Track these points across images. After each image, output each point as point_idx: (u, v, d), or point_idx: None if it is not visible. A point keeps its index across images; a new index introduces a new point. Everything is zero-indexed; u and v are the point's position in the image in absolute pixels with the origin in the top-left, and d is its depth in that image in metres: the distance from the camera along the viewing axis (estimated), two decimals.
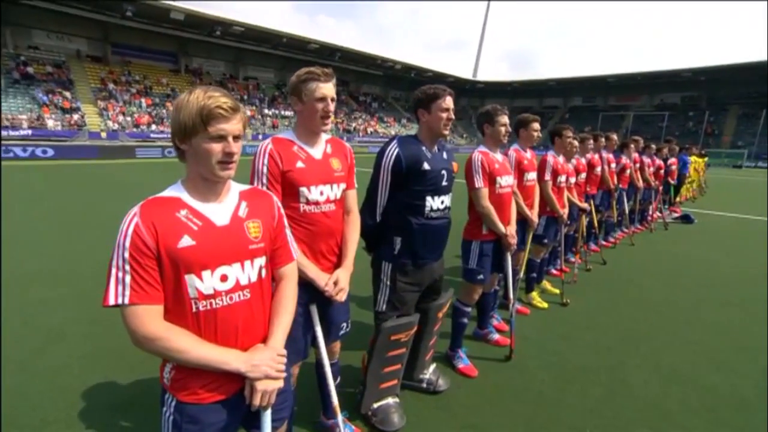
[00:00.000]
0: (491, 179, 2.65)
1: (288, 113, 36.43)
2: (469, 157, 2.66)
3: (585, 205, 4.59)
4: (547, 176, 3.76)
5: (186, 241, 1.04)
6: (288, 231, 1.34)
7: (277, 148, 1.62)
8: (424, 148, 2.06)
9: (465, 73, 55.94)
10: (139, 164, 19.09)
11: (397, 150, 2.01)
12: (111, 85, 27.93)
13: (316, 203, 1.68)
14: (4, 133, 20.20)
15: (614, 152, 5.93)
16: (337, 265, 1.79)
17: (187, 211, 1.08)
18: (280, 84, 40.44)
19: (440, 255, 2.26)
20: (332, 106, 1.65)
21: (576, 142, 4.17)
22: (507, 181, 2.75)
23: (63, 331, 3.23)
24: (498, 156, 2.76)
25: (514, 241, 2.72)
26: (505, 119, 2.66)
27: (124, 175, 14.56)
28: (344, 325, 1.92)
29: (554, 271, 4.89)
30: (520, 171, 3.24)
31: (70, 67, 27.65)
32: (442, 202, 2.12)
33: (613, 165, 5.83)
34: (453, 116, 2.06)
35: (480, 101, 56.52)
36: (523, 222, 3.27)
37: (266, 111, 35.29)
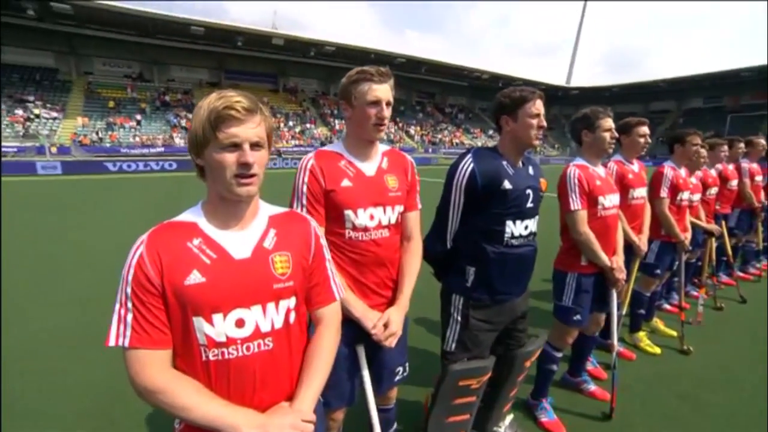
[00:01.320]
0: (591, 199, 2.18)
1: None
2: (563, 172, 2.23)
3: (713, 227, 3.64)
4: (663, 192, 3.06)
5: (195, 278, 0.88)
6: (330, 265, 1.14)
7: (320, 163, 1.42)
8: (505, 162, 1.72)
9: (557, 79, 52.21)
10: None
11: (471, 166, 1.68)
12: None
13: (365, 229, 1.44)
14: (144, 150, 24.61)
15: (761, 160, 4.62)
16: (391, 302, 1.53)
17: (201, 241, 0.92)
18: None
19: (523, 289, 1.88)
20: (387, 112, 1.42)
21: (704, 151, 3.33)
22: (612, 200, 2.26)
23: None
24: (599, 170, 2.29)
25: (622, 275, 2.21)
26: (609, 123, 2.18)
27: None
28: (400, 369, 1.65)
29: (669, 307, 3.98)
30: (623, 187, 2.68)
31: (194, 94, 32.54)
32: (526, 227, 1.76)
33: (759, 178, 4.54)
34: (545, 123, 1.70)
35: (574, 109, 51.55)
36: (628, 247, 2.68)
37: None
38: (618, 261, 2.23)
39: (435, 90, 47.55)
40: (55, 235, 6.97)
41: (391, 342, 1.42)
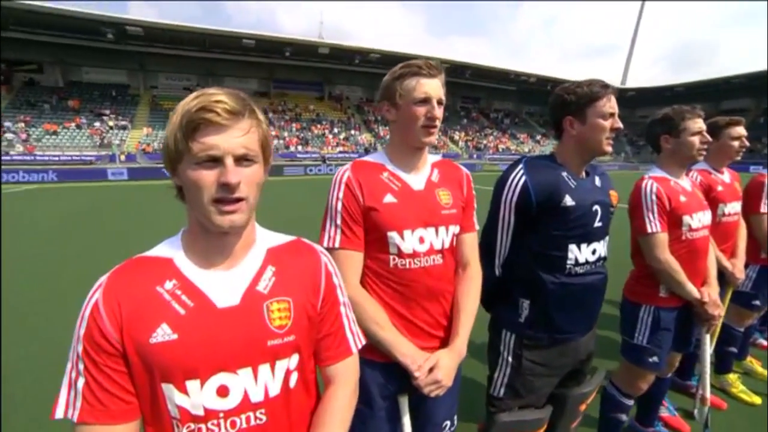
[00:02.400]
0: (674, 219, 1.79)
1: None
2: (636, 186, 1.84)
3: None
4: (765, 206, 2.48)
5: (163, 333, 0.68)
6: (345, 309, 0.91)
7: (358, 176, 1.20)
8: (565, 174, 1.41)
9: (610, 81, 48.75)
10: (285, 181, 21.80)
11: (523, 179, 1.38)
12: (271, 114, 33.38)
13: (414, 254, 1.19)
14: None
15: None
16: (444, 343, 1.26)
17: (176, 284, 0.72)
18: None
19: (590, 326, 1.55)
20: (439, 111, 1.20)
21: None
22: (702, 219, 1.84)
23: None
24: (684, 183, 1.88)
25: (719, 311, 1.79)
26: (698, 124, 1.77)
27: (272, 189, 16.71)
28: (447, 424, 1.38)
29: (765, 343, 3.30)
30: (710, 202, 2.18)
31: None
32: (594, 252, 1.43)
33: None
34: (620, 124, 1.39)
35: (629, 111, 48.34)
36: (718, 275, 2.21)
37: None
38: (712, 293, 1.81)
39: (480, 95, 46.45)
40: (118, 232, 7.43)
41: (435, 392, 1.15)
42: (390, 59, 36.11)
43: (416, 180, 1.26)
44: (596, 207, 1.41)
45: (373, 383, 1.23)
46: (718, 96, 44.90)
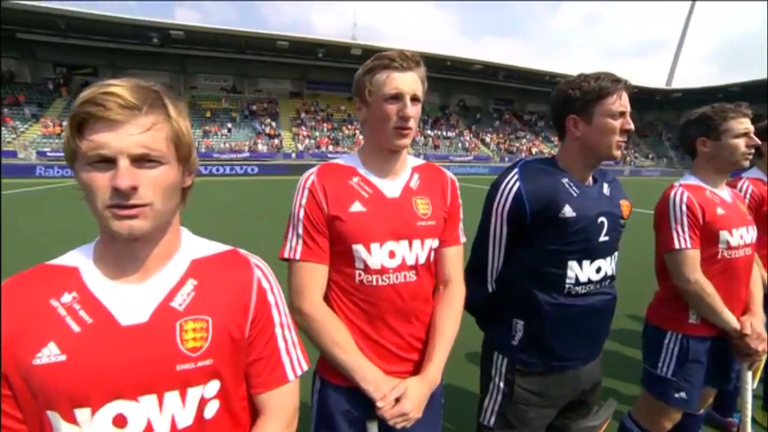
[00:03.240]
0: (709, 234, 1.57)
1: (450, 133, 37.19)
2: (665, 194, 1.63)
3: None
4: None
5: (50, 354, 0.61)
6: (283, 331, 0.80)
7: (324, 181, 1.09)
8: (566, 180, 1.25)
9: (656, 81, 46.18)
10: None
11: (517, 184, 1.23)
12: (303, 114, 34.06)
13: (381, 270, 1.07)
14: (232, 155, 27.05)
15: None
16: (418, 368, 1.14)
17: (75, 297, 0.65)
18: (443, 106, 41.72)
19: (594, 353, 1.37)
20: (413, 110, 1.06)
21: None
22: (743, 236, 1.61)
23: None
24: (723, 193, 1.65)
25: (762, 345, 1.55)
26: (744, 125, 1.54)
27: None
28: None
29: None
30: (762, 217, 1.93)
31: (278, 103, 35.09)
32: (599, 270, 1.27)
33: None
34: (631, 125, 1.22)
35: (675, 114, 45.48)
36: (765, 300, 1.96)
37: (429, 132, 36.80)
38: (755, 323, 1.56)
39: (513, 96, 45.18)
40: None
41: (401, 424, 1.04)
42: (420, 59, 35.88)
43: (391, 186, 1.13)
44: (602, 219, 1.25)
45: (337, 409, 1.14)
46: None
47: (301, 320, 1.06)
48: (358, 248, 1.06)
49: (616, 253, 1.33)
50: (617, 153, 1.23)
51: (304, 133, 31.99)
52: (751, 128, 1.54)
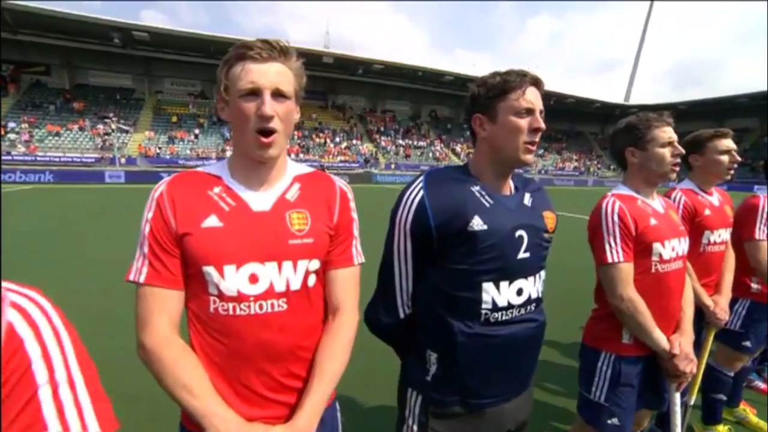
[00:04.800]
0: (642, 246, 1.47)
1: (421, 143, 37.66)
2: (597, 205, 1.53)
3: None
4: (761, 233, 2.15)
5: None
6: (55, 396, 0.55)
7: (175, 192, 0.91)
8: (477, 188, 1.08)
9: (615, 97, 49.01)
10: None
11: (420, 194, 1.07)
12: None
13: (239, 298, 0.89)
14: (199, 162, 26.14)
15: None
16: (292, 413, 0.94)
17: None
18: (414, 116, 42.29)
19: (519, 389, 1.17)
20: (279, 107, 0.88)
21: None
22: (676, 248, 1.51)
23: None
24: (655, 203, 1.57)
25: (690, 367, 1.44)
26: (668, 134, 1.48)
27: None
28: None
29: (763, 386, 2.95)
30: (694, 227, 1.91)
31: None
32: (520, 292, 1.08)
33: None
34: (541, 124, 1.06)
35: None
36: (697, 312, 1.86)
37: (400, 141, 37.13)
38: (684, 343, 1.46)
39: None
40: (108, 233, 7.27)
41: None
42: (393, 70, 36.43)
43: (260, 198, 0.95)
44: (520, 233, 1.07)
45: None
46: (722, 115, 44.72)
47: (144, 357, 0.86)
48: (209, 271, 0.88)
49: (542, 272, 1.15)
50: (526, 157, 1.06)
51: None
52: (675, 137, 1.49)
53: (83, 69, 31.53)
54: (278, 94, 0.88)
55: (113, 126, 26.77)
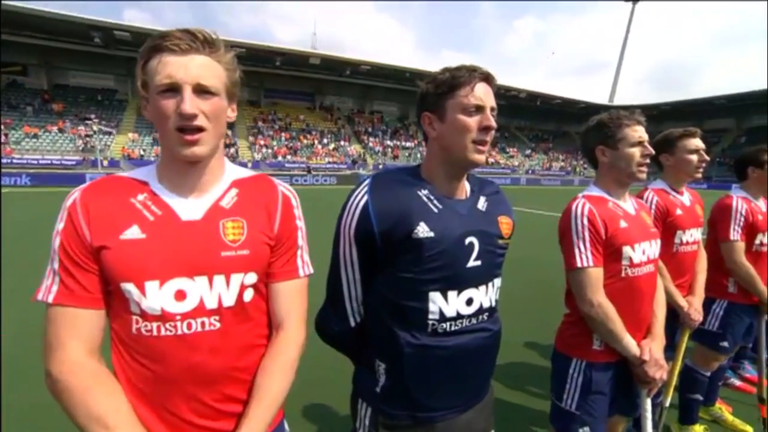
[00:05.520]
0: (612, 250, 1.41)
1: (409, 144, 37.72)
2: (567, 207, 1.49)
3: None
4: (734, 234, 2.15)
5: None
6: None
7: (90, 201, 0.81)
8: (425, 192, 1.03)
9: (599, 98, 49.97)
10: None
11: (365, 199, 1.00)
12: (260, 123, 33.26)
13: (163, 317, 0.80)
14: None
15: None
16: None
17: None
18: (402, 117, 42.34)
19: (471, 401, 1.11)
20: (203, 104, 0.79)
21: None
22: (647, 251, 1.47)
23: None
24: (627, 205, 1.51)
25: (660, 373, 1.39)
26: (638, 133, 1.44)
27: None
28: None
29: (739, 383, 2.96)
30: (667, 227, 1.90)
31: (234, 111, 34.01)
32: (470, 302, 1.03)
33: None
34: (492, 122, 0.99)
35: None
36: (669, 312, 1.84)
37: (388, 142, 37.12)
38: (654, 349, 1.41)
39: None
40: None
41: None
42: (380, 72, 36.40)
43: (191, 206, 0.86)
44: (471, 239, 1.02)
45: None
46: (702, 116, 46.00)
47: (51, 387, 0.77)
48: (128, 288, 0.79)
49: (496, 281, 1.10)
50: (476, 157, 0.99)
51: (262, 143, 31.19)
52: (645, 137, 1.45)
53: (63, 69, 30.74)
54: (202, 90, 0.79)
55: (95, 127, 26.16)
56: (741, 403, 2.70)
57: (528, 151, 45.02)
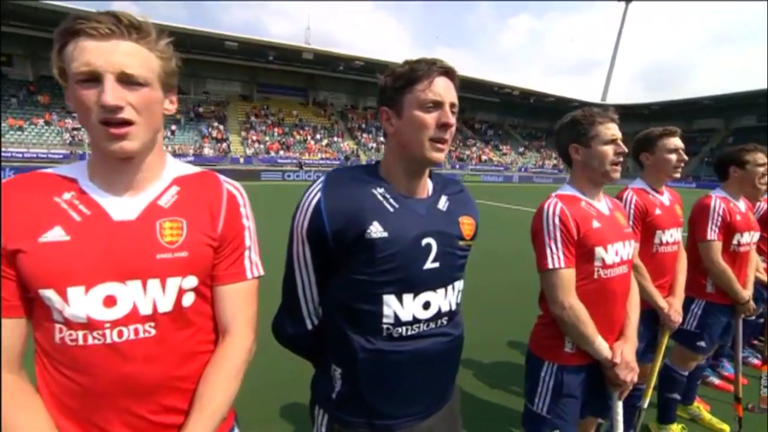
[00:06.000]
0: (584, 251, 1.39)
1: None
2: (539, 207, 1.46)
3: None
4: (712, 233, 2.15)
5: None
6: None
7: (6, 199, 0.74)
8: (380, 191, 0.98)
9: (592, 97, 50.32)
10: (259, 186, 21.13)
11: (318, 196, 0.95)
12: (253, 118, 32.90)
13: (90, 325, 0.74)
14: (175, 159, 25.48)
15: None
16: None
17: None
18: None
19: (433, 408, 1.07)
20: (130, 95, 0.73)
21: None
22: (618, 252, 1.43)
23: None
24: (601, 205, 1.48)
25: (631, 375, 1.37)
26: (611, 131, 1.40)
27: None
28: None
29: (718, 382, 2.99)
30: (646, 227, 1.89)
31: (227, 105, 33.60)
32: (427, 306, 0.98)
33: None
34: (450, 119, 0.94)
35: None
36: (650, 313, 1.87)
37: (382, 138, 36.98)
38: (626, 351, 1.39)
39: (464, 106, 46.90)
40: None
41: None
42: (374, 67, 36.02)
43: (125, 205, 0.79)
44: (428, 241, 0.97)
45: None
46: (691, 116, 46.61)
47: None
48: (48, 294, 0.72)
49: (457, 284, 1.04)
50: (434, 156, 0.95)
51: (254, 137, 30.86)
52: (619, 135, 1.42)
53: (49, 60, 29.52)
54: (128, 80, 0.72)
55: None
56: (719, 402, 2.73)
57: (521, 149, 45.23)
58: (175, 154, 25.82)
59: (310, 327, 1.05)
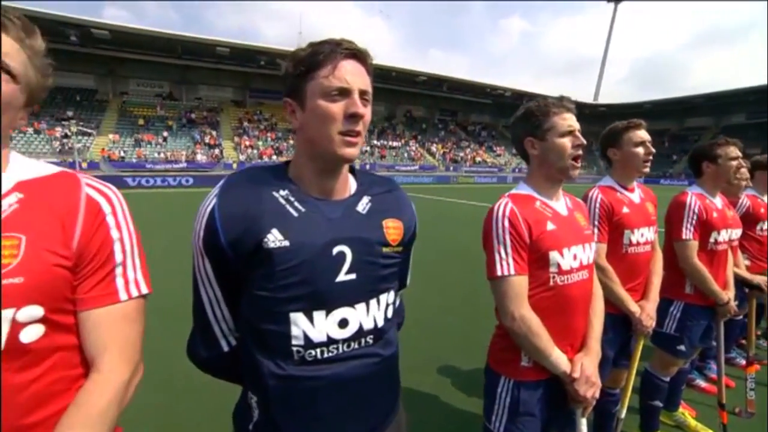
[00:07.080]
0: (537, 256, 1.26)
1: (396, 143, 37.63)
2: (490, 209, 1.33)
3: (761, 279, 2.45)
4: (687, 232, 2.06)
5: None
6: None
7: None
8: (284, 193, 0.86)
9: (585, 97, 50.55)
10: None
11: (213, 203, 0.83)
12: (245, 124, 32.81)
13: None
14: (168, 166, 25.36)
15: None
16: None
17: None
18: (389, 116, 42.22)
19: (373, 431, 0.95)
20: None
21: (745, 170, 2.45)
22: (576, 256, 1.30)
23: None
24: (558, 205, 1.36)
25: (591, 391, 1.25)
26: (567, 121, 1.29)
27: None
28: None
29: (704, 384, 2.88)
30: (614, 227, 1.77)
31: (219, 111, 33.51)
32: (344, 324, 0.85)
33: None
34: (360, 108, 0.82)
35: (602, 126, 49.33)
36: (621, 317, 1.76)
37: (375, 142, 36.96)
38: (586, 364, 1.26)
39: (458, 108, 47.03)
40: None
41: None
42: None
43: None
44: (340, 249, 0.84)
45: None
46: (683, 114, 46.96)
47: None
48: None
49: (384, 297, 0.91)
50: (346, 151, 0.82)
51: (247, 143, 30.75)
52: (576, 126, 1.31)
53: None
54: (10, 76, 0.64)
55: (73, 128, 25.40)
56: (706, 406, 2.65)
57: (515, 150, 45.32)
58: (167, 161, 25.87)
59: (226, 348, 0.93)
